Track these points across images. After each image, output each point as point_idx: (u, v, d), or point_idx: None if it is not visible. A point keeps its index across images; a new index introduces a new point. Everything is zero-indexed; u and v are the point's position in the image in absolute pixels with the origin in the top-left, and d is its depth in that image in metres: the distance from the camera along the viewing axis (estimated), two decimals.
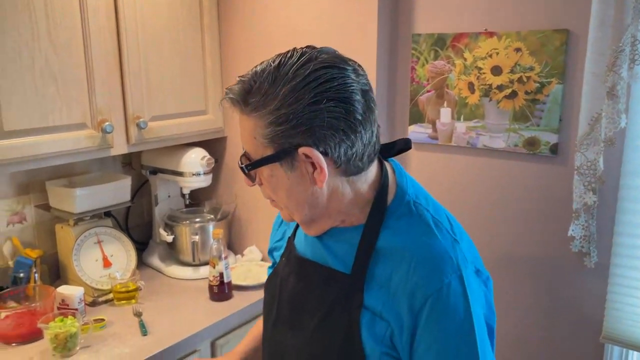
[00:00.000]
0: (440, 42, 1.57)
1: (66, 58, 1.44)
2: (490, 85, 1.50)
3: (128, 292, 1.68)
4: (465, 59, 1.53)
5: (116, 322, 1.57)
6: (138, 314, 1.59)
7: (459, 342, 0.78)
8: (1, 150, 1.34)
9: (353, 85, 0.78)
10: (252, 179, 0.86)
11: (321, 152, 0.78)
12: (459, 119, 1.58)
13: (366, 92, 0.80)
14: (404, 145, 0.91)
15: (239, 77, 0.81)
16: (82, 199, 1.65)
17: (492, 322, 0.87)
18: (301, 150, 0.78)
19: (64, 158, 1.50)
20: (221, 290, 1.69)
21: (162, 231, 1.88)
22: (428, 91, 1.62)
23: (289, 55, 0.79)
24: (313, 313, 0.87)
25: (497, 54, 1.48)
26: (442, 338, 0.78)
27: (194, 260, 1.87)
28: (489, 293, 0.87)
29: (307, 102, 0.75)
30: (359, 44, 1.62)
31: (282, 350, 0.94)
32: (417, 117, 1.65)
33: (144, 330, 1.50)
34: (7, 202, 1.70)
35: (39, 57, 1.39)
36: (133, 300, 1.68)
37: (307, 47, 0.81)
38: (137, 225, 2.09)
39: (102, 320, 1.54)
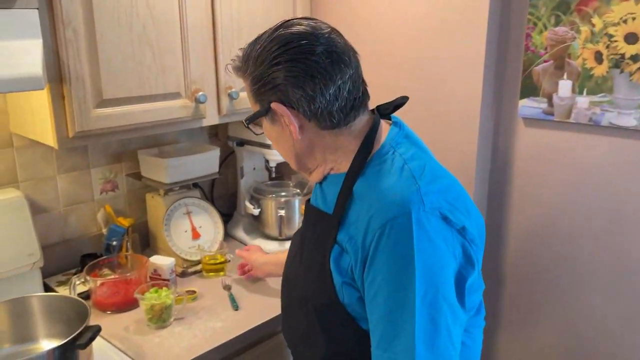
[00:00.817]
0: (563, 6, 1.39)
1: (163, 27, 1.40)
2: (623, 55, 1.33)
3: (216, 264, 1.67)
4: (593, 25, 1.36)
5: (206, 294, 1.55)
6: (227, 287, 1.57)
7: (394, 276, 0.82)
8: (101, 119, 1.32)
9: (312, 47, 0.86)
10: (253, 132, 1.02)
11: (288, 107, 0.89)
12: (580, 93, 1.41)
13: (332, 53, 0.88)
14: (401, 100, 1.01)
15: (239, 48, 0.95)
16: (174, 169, 1.63)
17: (467, 273, 0.88)
18: (273, 105, 0.90)
19: (159, 128, 1.48)
20: None
21: (248, 204, 1.85)
22: (545, 61, 1.45)
23: (272, 26, 0.91)
24: (307, 247, 1.01)
25: (634, 19, 1.30)
26: (382, 271, 0.83)
27: (280, 235, 1.83)
28: (470, 245, 0.88)
29: (269, 63, 0.88)
30: (469, 10, 1.47)
31: (290, 279, 1.09)
32: (530, 89, 1.50)
33: (234, 305, 1.48)
34: (100, 170, 1.71)
35: (137, 24, 1.35)
36: (221, 273, 1.67)
37: (293, 18, 0.92)
38: (221, 196, 2.08)
39: (194, 292, 1.54)
